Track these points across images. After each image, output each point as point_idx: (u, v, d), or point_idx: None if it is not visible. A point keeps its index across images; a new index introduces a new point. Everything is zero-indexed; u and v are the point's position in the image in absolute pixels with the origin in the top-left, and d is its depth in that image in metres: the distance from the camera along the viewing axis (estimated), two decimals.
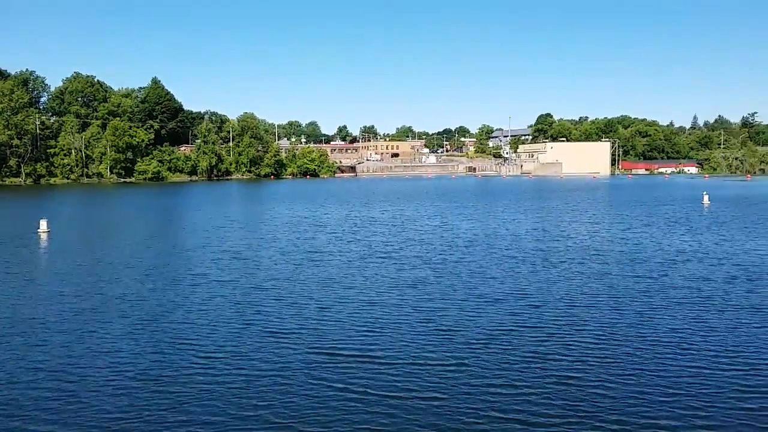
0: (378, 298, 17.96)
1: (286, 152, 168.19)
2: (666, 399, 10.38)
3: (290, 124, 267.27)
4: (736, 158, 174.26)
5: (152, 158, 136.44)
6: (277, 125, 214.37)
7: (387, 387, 11.06)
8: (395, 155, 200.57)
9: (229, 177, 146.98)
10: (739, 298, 17.44)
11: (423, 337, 14.00)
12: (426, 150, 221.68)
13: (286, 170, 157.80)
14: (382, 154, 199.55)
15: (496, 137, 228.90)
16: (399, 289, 19.18)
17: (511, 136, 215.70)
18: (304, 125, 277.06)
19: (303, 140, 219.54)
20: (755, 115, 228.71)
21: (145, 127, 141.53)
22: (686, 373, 11.55)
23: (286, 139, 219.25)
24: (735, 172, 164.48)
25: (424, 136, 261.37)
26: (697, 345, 13.24)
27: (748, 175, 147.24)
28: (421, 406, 10.24)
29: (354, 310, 16.52)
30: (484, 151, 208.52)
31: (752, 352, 12.68)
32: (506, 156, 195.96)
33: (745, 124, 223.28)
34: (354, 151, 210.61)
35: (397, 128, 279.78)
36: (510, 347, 13.24)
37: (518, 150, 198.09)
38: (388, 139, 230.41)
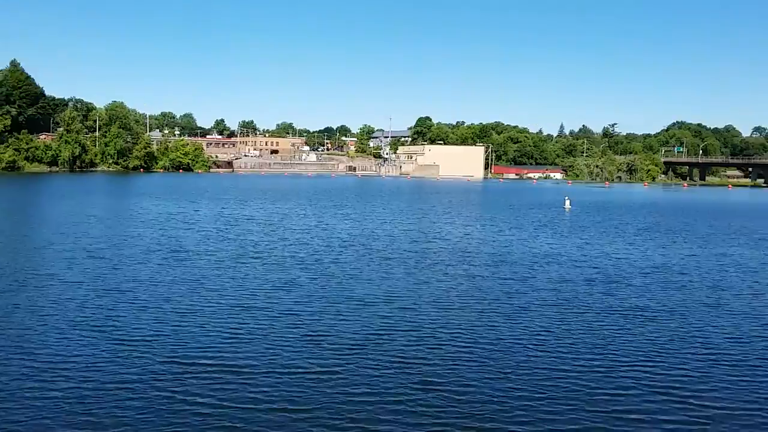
0: (246, 301, 17.02)
1: (157, 144, 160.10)
2: (534, 400, 10.38)
3: (163, 115, 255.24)
4: (597, 166, 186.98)
5: (8, 146, 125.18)
6: (149, 116, 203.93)
7: (248, 399, 10.28)
8: (275, 152, 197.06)
9: (94, 169, 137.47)
10: (598, 299, 18.19)
11: (291, 344, 13.30)
12: (306, 148, 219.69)
13: (157, 163, 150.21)
14: (260, 150, 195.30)
15: (377, 138, 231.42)
16: (269, 291, 18.33)
17: (391, 137, 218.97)
18: (178, 117, 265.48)
19: (177, 133, 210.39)
20: (615, 126, 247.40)
21: (0, 113, 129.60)
22: (553, 375, 11.67)
23: (158, 130, 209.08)
24: (595, 179, 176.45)
25: (305, 134, 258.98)
26: (562, 346, 13.51)
27: (607, 182, 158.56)
28: (283, 418, 9.56)
29: (219, 315, 15.50)
30: (365, 151, 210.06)
31: (611, 353, 13.10)
32: (386, 157, 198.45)
33: (606, 134, 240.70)
34: (231, 146, 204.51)
35: (278, 124, 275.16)
36: (381, 352, 12.87)
37: (398, 151, 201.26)
38: (267, 135, 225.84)
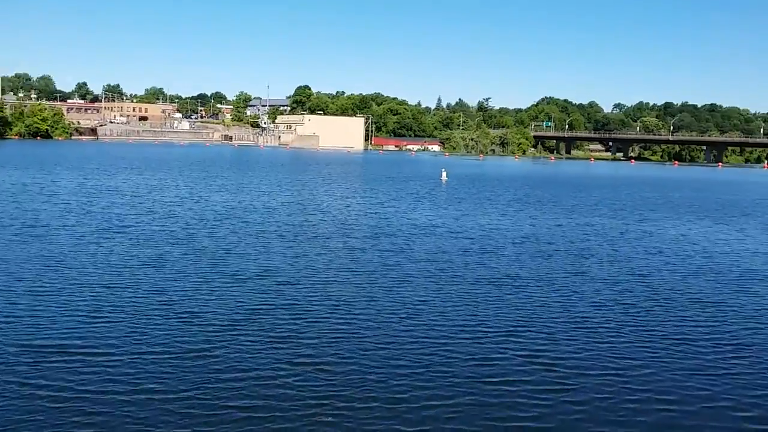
0: (110, 280, 15.82)
1: (11, 109, 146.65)
2: (411, 370, 10.36)
3: (18, 76, 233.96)
4: (472, 139, 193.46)
5: None
6: (1, 78, 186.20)
7: (110, 386, 9.47)
8: (143, 119, 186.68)
9: None
10: (473, 269, 18.64)
11: (159, 325, 12.47)
12: (178, 115, 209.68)
13: (11, 130, 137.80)
14: (128, 116, 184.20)
15: (255, 106, 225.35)
16: (135, 269, 17.17)
17: (269, 105, 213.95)
18: (35, 79, 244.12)
19: (33, 96, 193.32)
20: (489, 100, 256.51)
21: None
22: (430, 345, 11.73)
23: (12, 93, 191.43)
24: (471, 152, 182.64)
25: (176, 100, 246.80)
26: (438, 317, 13.65)
27: (481, 155, 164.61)
28: (150, 404, 8.88)
29: (79, 296, 14.28)
30: (242, 120, 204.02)
31: (484, 321, 13.39)
32: (264, 126, 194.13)
33: (481, 108, 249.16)
34: (96, 111, 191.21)
35: (146, 89, 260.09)
36: (256, 330, 12.38)
37: (277, 121, 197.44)
38: (135, 101, 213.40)
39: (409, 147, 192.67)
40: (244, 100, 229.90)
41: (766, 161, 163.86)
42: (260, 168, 69.11)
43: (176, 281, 15.98)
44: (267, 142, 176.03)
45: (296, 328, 12.65)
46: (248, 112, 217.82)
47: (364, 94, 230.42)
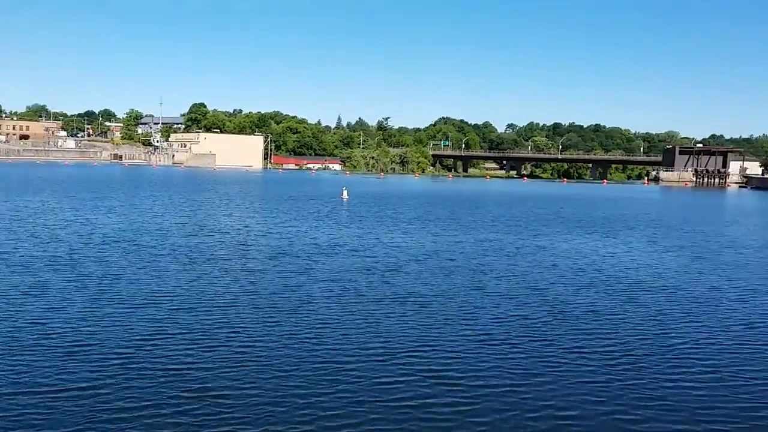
0: None
1: None
2: (315, 396, 10.01)
3: None
4: (373, 157, 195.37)
5: None
6: None
7: None
8: (24, 137, 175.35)
9: None
10: (376, 288, 18.52)
11: (40, 360, 11.42)
12: (63, 133, 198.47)
13: None
14: (7, 135, 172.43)
15: (147, 124, 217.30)
16: (14, 298, 15.76)
17: (162, 123, 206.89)
18: None
19: None
20: (388, 119, 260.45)
21: None
22: (333, 368, 11.42)
23: None
24: (371, 170, 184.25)
25: (61, 118, 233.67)
26: (342, 338, 13.37)
27: (382, 173, 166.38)
28: None
29: None
30: (133, 138, 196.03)
31: (389, 341, 13.24)
32: (157, 144, 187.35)
33: (381, 127, 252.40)
34: None
35: (28, 107, 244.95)
36: (150, 361, 11.60)
37: (170, 139, 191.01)
38: (15, 119, 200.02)
39: (309, 165, 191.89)
40: (135, 118, 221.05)
41: (646, 178, 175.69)
42: (153, 188, 66.30)
43: (59, 310, 14.79)
44: (160, 161, 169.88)
45: (192, 356, 11.98)
46: (139, 130, 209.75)
47: (262, 112, 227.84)
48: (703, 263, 25.35)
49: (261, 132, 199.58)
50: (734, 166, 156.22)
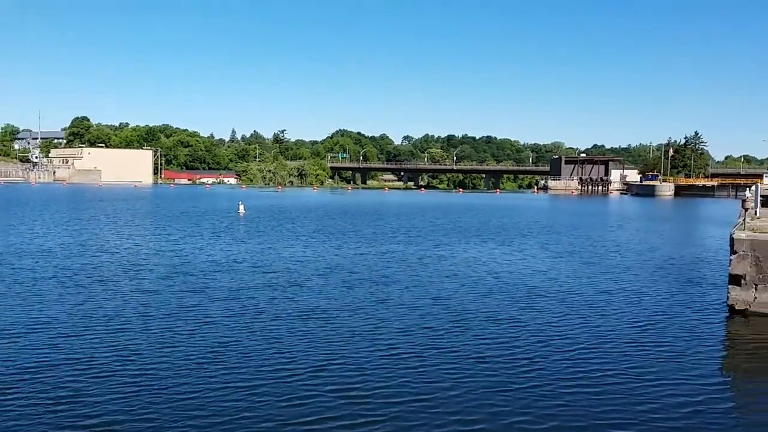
0: None
1: None
2: (210, 418, 9.43)
3: None
4: (270, 171, 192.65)
5: None
6: None
7: None
8: None
9: None
10: (279, 304, 17.97)
11: None
12: None
13: None
14: None
15: (24, 139, 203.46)
16: None
17: (41, 138, 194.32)
18: None
19: None
20: (285, 132, 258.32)
21: None
22: (230, 388, 10.85)
23: None
24: (269, 184, 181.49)
25: None
26: (241, 358, 12.79)
27: (280, 187, 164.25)
28: None
29: None
30: (9, 155, 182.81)
31: (290, 359, 12.80)
32: (36, 161, 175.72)
33: (277, 140, 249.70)
34: None
35: None
36: (32, 393, 10.55)
37: (51, 154, 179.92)
38: None
39: (203, 180, 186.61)
40: (10, 133, 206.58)
41: (535, 186, 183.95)
42: (31, 207, 61.79)
43: None
44: (40, 178, 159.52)
45: (80, 386, 11.02)
46: (16, 146, 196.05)
47: (151, 125, 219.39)
48: (593, 267, 26.57)
49: (150, 146, 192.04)
50: (615, 174, 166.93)
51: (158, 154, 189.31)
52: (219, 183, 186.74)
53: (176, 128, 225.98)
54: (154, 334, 14.63)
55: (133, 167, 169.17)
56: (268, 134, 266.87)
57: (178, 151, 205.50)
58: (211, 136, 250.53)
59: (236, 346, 13.86)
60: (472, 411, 10.38)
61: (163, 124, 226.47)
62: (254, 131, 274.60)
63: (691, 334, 15.67)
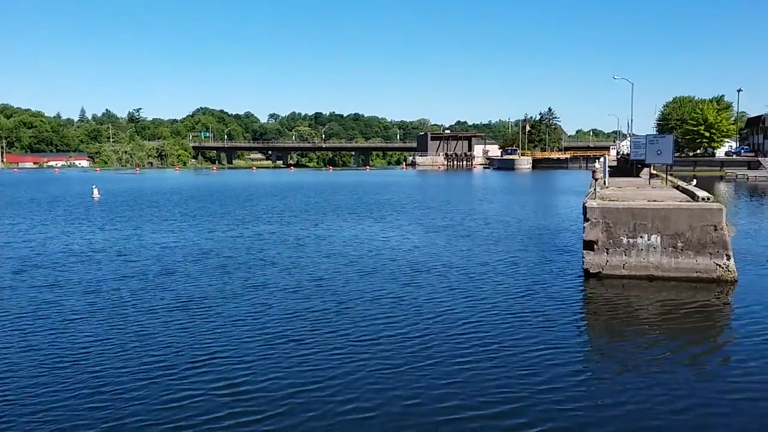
0: None
1: None
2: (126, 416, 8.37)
3: None
4: (126, 152, 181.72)
5: None
6: None
7: None
8: None
9: None
10: (153, 295, 16.63)
11: None
12: None
13: None
14: None
15: None
16: None
17: None
18: None
19: None
20: (140, 110, 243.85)
21: None
22: (106, 391, 9.73)
23: None
24: (126, 166, 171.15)
25: None
26: (115, 358, 11.60)
27: (138, 168, 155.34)
28: None
29: None
30: None
31: (172, 352, 11.77)
32: None
33: (132, 119, 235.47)
34: None
35: None
36: None
37: None
38: None
39: (51, 163, 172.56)
40: None
41: (404, 163, 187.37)
42: None
43: None
44: None
45: None
46: None
47: None
48: (467, 241, 27.12)
49: None
50: (478, 149, 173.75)
51: None
52: (70, 166, 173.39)
53: (17, 108, 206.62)
54: (9, 336, 12.92)
55: None
56: (122, 113, 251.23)
57: (21, 133, 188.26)
58: (58, 115, 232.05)
59: (104, 343, 12.58)
60: (363, 396, 10.03)
61: (2, 104, 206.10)
62: (106, 110, 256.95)
63: (553, 300, 16.36)
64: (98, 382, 10.55)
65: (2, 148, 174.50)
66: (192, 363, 11.49)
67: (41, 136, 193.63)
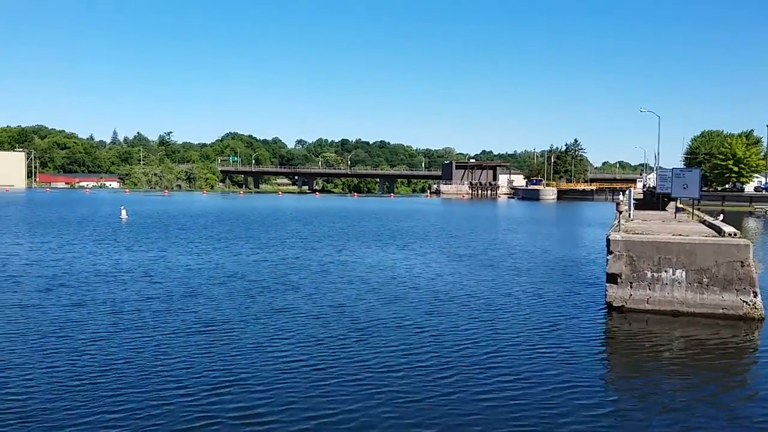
0: None
1: None
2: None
3: None
4: (155, 174, 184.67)
5: None
6: None
7: None
8: None
9: None
10: (177, 317, 16.84)
11: None
12: None
13: None
14: None
15: None
16: None
17: None
18: None
19: None
20: (171, 134, 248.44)
21: None
22: (136, 411, 9.85)
23: None
24: (155, 188, 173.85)
25: None
26: (140, 378, 11.74)
27: (166, 191, 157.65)
28: None
29: None
30: None
31: (192, 375, 11.89)
32: None
33: (163, 142, 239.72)
34: None
35: None
36: None
37: None
38: None
39: (82, 184, 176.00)
40: None
41: (428, 191, 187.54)
42: None
43: None
44: None
45: None
46: None
47: (23, 126, 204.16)
48: (490, 270, 27.02)
49: (22, 148, 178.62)
50: (503, 179, 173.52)
51: (32, 156, 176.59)
52: (100, 187, 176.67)
53: (52, 129, 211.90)
54: (32, 354, 13.17)
55: (3, 170, 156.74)
56: (153, 136, 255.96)
57: (54, 154, 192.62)
58: (91, 137, 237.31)
59: (124, 365, 12.74)
60: (380, 425, 9.99)
61: (37, 125, 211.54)
62: (138, 133, 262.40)
63: (575, 333, 16.24)
64: (116, 404, 10.68)
65: (36, 167, 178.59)
66: (211, 387, 11.58)
67: (74, 157, 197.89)
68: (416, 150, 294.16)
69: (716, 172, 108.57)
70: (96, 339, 14.60)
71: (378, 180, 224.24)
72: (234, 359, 13.31)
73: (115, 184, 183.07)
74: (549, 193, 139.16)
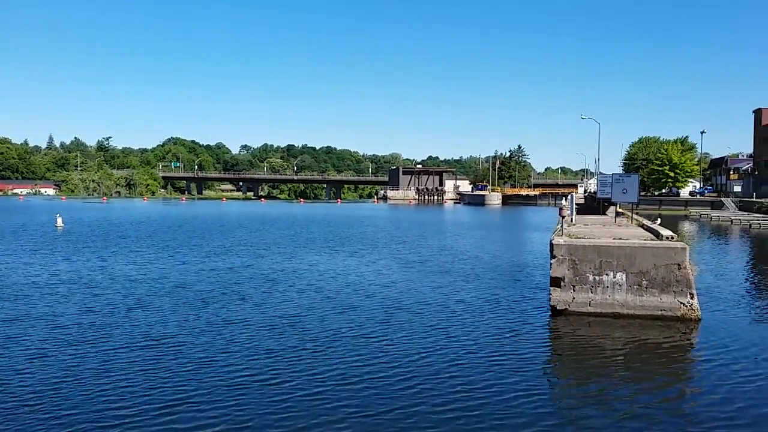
0: None
1: None
2: None
3: None
4: (93, 180, 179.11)
5: None
6: None
7: None
8: None
9: None
10: (121, 331, 16.29)
11: None
12: None
13: None
14: None
15: None
16: None
17: None
18: None
19: None
20: (110, 139, 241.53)
21: None
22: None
23: None
24: (93, 195, 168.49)
25: None
26: (86, 398, 11.29)
27: (105, 198, 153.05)
28: None
29: None
30: None
31: (137, 395, 11.52)
32: None
33: (101, 147, 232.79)
34: None
35: None
36: None
37: None
38: None
39: (16, 191, 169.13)
40: None
41: (375, 197, 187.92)
42: None
43: None
44: None
45: None
46: None
47: None
48: (440, 276, 27.16)
49: None
50: (449, 184, 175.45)
51: None
52: (35, 194, 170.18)
53: None
54: None
55: None
56: (91, 141, 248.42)
57: None
58: (25, 142, 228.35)
59: (67, 383, 12.21)
60: None
61: None
62: (75, 138, 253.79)
63: (520, 337, 16.48)
64: (55, 427, 10.24)
65: None
66: (159, 407, 11.16)
67: (7, 163, 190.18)
68: (363, 156, 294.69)
69: (653, 177, 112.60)
70: (33, 357, 13.97)
71: (325, 186, 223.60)
72: (183, 375, 12.93)
73: (50, 191, 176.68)
74: (494, 198, 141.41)
